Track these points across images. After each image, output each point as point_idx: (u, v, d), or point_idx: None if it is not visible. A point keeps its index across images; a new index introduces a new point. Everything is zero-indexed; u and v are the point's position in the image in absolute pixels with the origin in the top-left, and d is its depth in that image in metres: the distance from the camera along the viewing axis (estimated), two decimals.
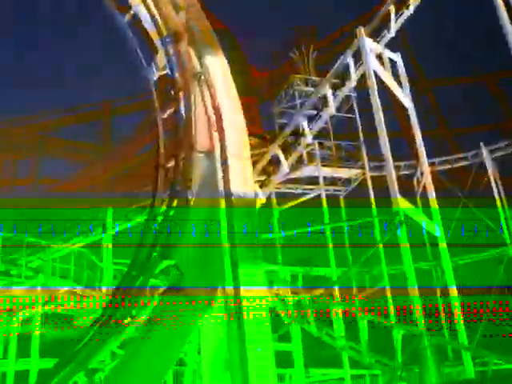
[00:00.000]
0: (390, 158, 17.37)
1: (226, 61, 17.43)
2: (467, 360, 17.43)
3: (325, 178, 27.67)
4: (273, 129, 30.51)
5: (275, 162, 23.35)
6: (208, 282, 13.97)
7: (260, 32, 34.77)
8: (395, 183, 16.67)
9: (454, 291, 18.06)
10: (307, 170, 26.82)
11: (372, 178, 26.95)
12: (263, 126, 33.76)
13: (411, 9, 23.73)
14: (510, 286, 28.77)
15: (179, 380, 18.13)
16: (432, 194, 20.66)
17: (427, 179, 21.20)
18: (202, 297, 13.64)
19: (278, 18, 35.34)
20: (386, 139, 17.47)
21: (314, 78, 32.01)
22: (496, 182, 30.12)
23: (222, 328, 13.30)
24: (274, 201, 28.22)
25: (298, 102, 30.42)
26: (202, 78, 17.33)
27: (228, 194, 14.52)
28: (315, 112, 24.14)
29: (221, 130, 15.65)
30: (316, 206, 28.15)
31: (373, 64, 19.50)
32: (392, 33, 23.03)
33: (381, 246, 22.34)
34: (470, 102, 36.74)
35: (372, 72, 19.04)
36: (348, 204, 30.04)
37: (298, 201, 28.37)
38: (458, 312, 17.97)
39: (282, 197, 29.12)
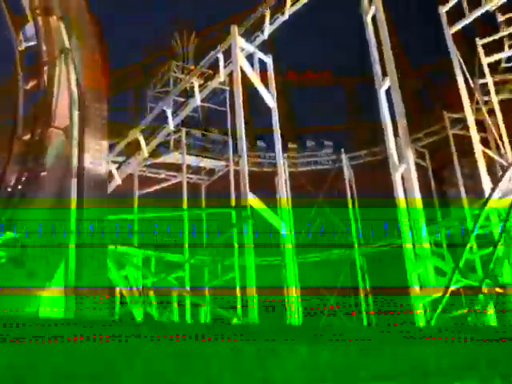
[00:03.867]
0: (245, 154, 18.12)
1: (95, 42, 17.45)
2: None
3: (189, 166, 28.27)
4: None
5: (135, 146, 23.61)
6: (50, 260, 14.06)
7: (141, 18, 34.58)
8: (247, 179, 17.44)
9: (291, 290, 19.09)
10: (171, 157, 27.23)
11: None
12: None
13: (286, 15, 24.74)
14: (353, 287, 30.72)
15: None
16: (283, 194, 21.64)
17: (281, 179, 22.19)
18: (42, 272, 13.71)
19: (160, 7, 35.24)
20: (244, 136, 18.20)
21: (191, 67, 32.39)
22: (351, 188, 32.00)
23: (59, 307, 13.45)
24: (136, 183, 28.39)
25: (172, 88, 30.69)
26: (70, 54, 17.27)
27: (80, 173, 14.67)
28: (183, 100, 24.63)
29: (80, 109, 15.73)
30: (180, 192, 28.64)
31: (240, 62, 20.17)
32: (265, 35, 23.93)
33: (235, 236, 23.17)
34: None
35: (238, 70, 19.70)
36: (211, 194, 30.82)
37: (160, 186, 28.80)
38: (293, 310, 18.96)
39: (146, 180, 29.37)
